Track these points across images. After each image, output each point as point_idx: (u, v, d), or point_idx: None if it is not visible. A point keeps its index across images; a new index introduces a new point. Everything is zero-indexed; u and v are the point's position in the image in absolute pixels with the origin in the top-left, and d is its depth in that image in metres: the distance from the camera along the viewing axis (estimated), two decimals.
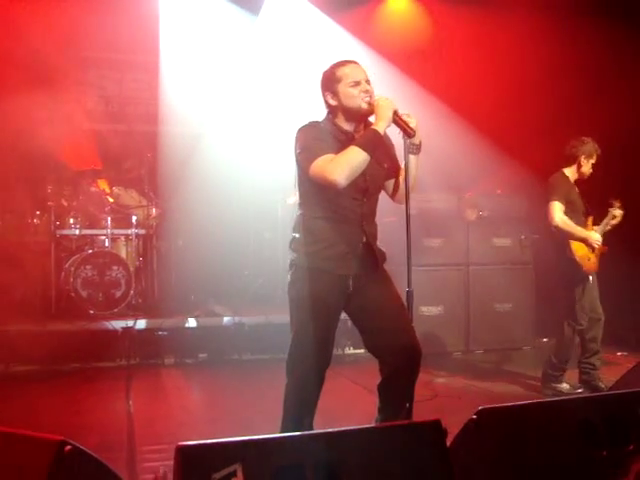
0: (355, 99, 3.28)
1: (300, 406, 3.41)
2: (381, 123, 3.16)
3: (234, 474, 2.03)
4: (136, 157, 8.40)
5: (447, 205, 7.33)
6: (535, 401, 2.64)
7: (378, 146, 3.20)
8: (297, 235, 3.44)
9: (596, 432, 2.46)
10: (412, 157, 3.31)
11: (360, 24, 8.22)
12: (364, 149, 3.13)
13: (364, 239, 3.36)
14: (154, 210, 7.74)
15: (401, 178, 3.41)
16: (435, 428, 2.28)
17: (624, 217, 5.71)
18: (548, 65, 7.50)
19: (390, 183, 3.49)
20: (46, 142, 7.92)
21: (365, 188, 3.32)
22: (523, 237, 7.37)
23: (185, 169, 7.88)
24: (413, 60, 7.73)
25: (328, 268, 3.32)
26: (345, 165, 3.14)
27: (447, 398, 5.32)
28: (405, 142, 3.26)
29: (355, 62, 3.40)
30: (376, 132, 3.16)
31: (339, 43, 7.97)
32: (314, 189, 3.32)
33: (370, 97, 3.26)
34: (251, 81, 8.26)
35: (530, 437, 2.41)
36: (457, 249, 7.32)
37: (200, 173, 7.64)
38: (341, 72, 3.33)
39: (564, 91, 7.54)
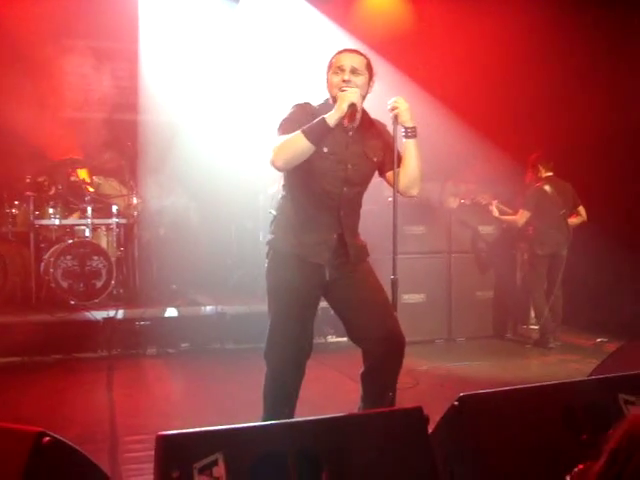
0: (332, 87, 3.26)
1: (279, 395, 3.40)
2: (333, 114, 3.08)
3: (215, 463, 2.02)
4: (116, 146, 8.32)
5: (429, 193, 7.34)
6: (516, 387, 2.65)
7: (325, 135, 3.11)
8: (276, 215, 3.44)
9: (577, 417, 2.48)
10: (410, 142, 3.29)
11: (342, 11, 8.19)
12: (307, 137, 3.06)
13: (340, 230, 3.33)
14: (135, 199, 7.68)
15: (400, 169, 3.33)
16: (417, 415, 2.29)
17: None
18: (533, 52, 7.51)
19: (391, 175, 3.37)
20: (25, 131, 7.83)
21: (345, 178, 3.28)
22: (504, 225, 7.40)
23: (166, 158, 7.82)
24: (396, 48, 7.69)
25: (300, 254, 3.31)
26: (285, 149, 3.12)
27: (429, 386, 5.34)
28: (395, 126, 3.25)
29: (352, 51, 3.34)
30: (323, 121, 3.07)
31: (320, 30, 7.93)
32: (294, 173, 3.30)
33: (346, 87, 3.17)
34: (231, 69, 8.20)
35: (511, 423, 2.42)
36: (439, 237, 7.34)
37: (181, 162, 7.58)
38: (333, 59, 3.31)
39: (549, 78, 7.56)
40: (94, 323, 6.52)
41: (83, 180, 7.78)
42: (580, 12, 7.36)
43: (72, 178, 7.68)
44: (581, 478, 1.65)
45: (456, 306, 7.33)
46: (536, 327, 7.16)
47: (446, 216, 7.39)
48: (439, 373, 5.84)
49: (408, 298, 7.01)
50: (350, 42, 7.20)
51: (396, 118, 3.25)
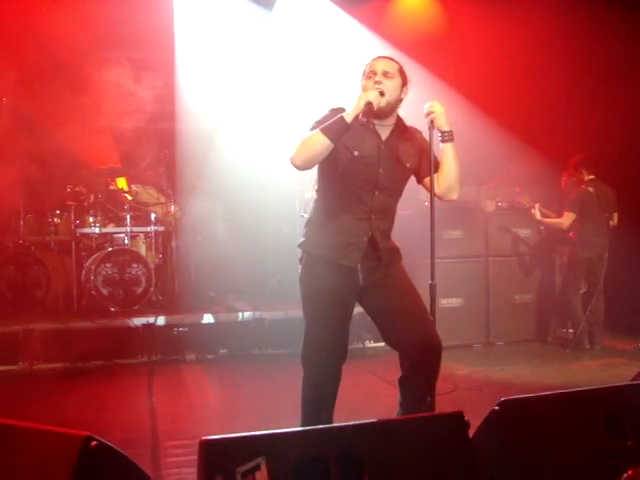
0: (364, 90, 3.26)
1: (317, 400, 3.39)
2: (349, 112, 3.12)
3: (258, 467, 2.04)
4: (154, 155, 8.44)
5: (466, 197, 7.29)
6: (558, 392, 2.63)
7: (342, 132, 3.12)
8: (309, 218, 3.47)
9: (621, 423, 2.45)
10: (447, 146, 3.31)
11: (374, 16, 8.20)
12: (325, 134, 3.09)
13: (370, 233, 3.32)
14: (173, 207, 7.78)
15: (438, 174, 3.34)
16: (457, 420, 2.28)
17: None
18: (567, 53, 7.43)
19: (429, 181, 3.37)
20: (65, 142, 7.99)
21: (376, 182, 3.29)
22: (542, 227, 7.32)
23: (203, 166, 7.91)
24: (429, 51, 7.68)
25: (330, 257, 3.32)
26: (304, 147, 3.14)
27: (468, 391, 5.30)
28: (430, 131, 3.26)
29: (384, 57, 3.37)
30: (341, 119, 3.10)
31: (354, 36, 7.95)
32: (326, 176, 3.34)
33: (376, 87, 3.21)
34: (266, 76, 8.26)
35: (553, 428, 2.40)
36: (476, 241, 7.29)
37: (218, 169, 7.66)
38: (366, 66, 3.35)
39: (584, 79, 7.48)
40: (134, 329, 6.62)
41: (122, 189, 7.92)
42: (615, 11, 7.26)
43: (111, 187, 7.83)
44: None
45: (494, 310, 7.27)
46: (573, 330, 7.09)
47: (483, 220, 7.33)
48: (478, 378, 5.80)
49: (446, 302, 6.98)
50: (382, 46, 7.25)
51: (432, 123, 3.26)
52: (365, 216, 3.32)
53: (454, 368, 5.97)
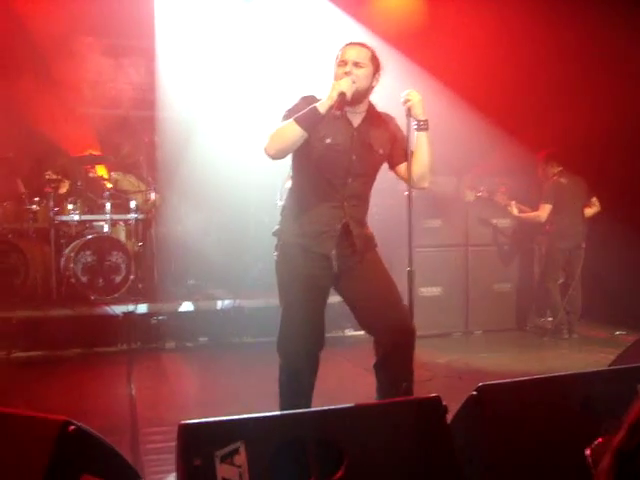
0: (336, 78, 3.28)
1: (294, 387, 3.41)
2: (324, 102, 3.14)
3: (237, 451, 2.05)
4: (134, 142, 8.38)
5: (446, 186, 7.33)
6: (534, 377, 2.66)
7: (316, 122, 3.15)
8: (283, 206, 3.49)
9: (595, 407, 2.48)
10: (422, 135, 3.33)
11: (357, 4, 8.17)
12: (299, 124, 3.12)
13: (343, 220, 3.33)
14: (153, 195, 7.73)
15: (411, 162, 3.36)
16: (435, 404, 2.31)
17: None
18: (550, 45, 7.46)
19: (401, 168, 3.43)
20: (44, 128, 7.92)
21: (348, 168, 3.30)
22: (527, 222, 7.37)
23: (183, 154, 7.86)
24: (412, 40, 7.68)
25: (304, 244, 3.34)
26: (276, 138, 3.17)
27: (447, 378, 5.35)
28: (408, 119, 3.27)
29: (357, 44, 3.36)
30: (315, 109, 3.13)
31: (336, 25, 7.92)
32: (299, 165, 3.36)
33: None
34: (248, 64, 8.22)
35: (530, 413, 2.43)
36: (456, 230, 7.33)
37: (198, 157, 7.61)
38: (338, 52, 3.35)
39: (566, 72, 7.51)
40: (113, 318, 6.58)
41: (101, 176, 7.86)
42: (599, 5, 7.29)
43: (91, 174, 7.76)
44: (601, 451, 1.67)
45: (473, 299, 7.32)
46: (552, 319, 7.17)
47: (463, 209, 7.37)
48: (457, 366, 5.84)
49: (425, 291, 7.02)
50: (365, 35, 7.20)
51: (409, 111, 3.28)
52: (338, 204, 3.33)
53: (433, 356, 6.02)
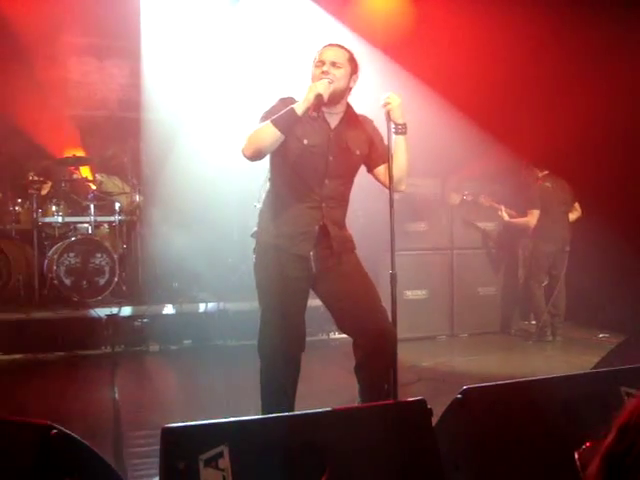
0: (313, 79, 3.28)
1: (275, 389, 3.40)
2: (301, 103, 3.14)
3: (221, 455, 2.04)
4: (119, 144, 8.34)
5: (431, 189, 7.35)
6: (518, 380, 2.67)
7: (293, 123, 3.15)
8: (261, 208, 3.47)
9: (579, 410, 2.49)
10: (400, 138, 3.32)
11: (343, 7, 8.17)
12: (276, 126, 3.12)
13: (321, 222, 3.33)
14: (137, 197, 7.70)
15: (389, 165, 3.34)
16: (420, 407, 2.31)
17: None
18: (536, 49, 7.50)
19: (380, 171, 3.44)
20: (27, 129, 7.86)
21: (325, 170, 3.30)
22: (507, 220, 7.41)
23: (168, 156, 7.83)
24: (398, 44, 7.69)
25: (282, 245, 3.33)
26: (254, 139, 3.18)
27: (432, 381, 5.35)
28: (388, 122, 3.27)
29: (334, 45, 3.37)
30: (292, 111, 3.13)
31: (322, 27, 7.92)
32: (276, 166, 3.36)
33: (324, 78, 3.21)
34: (233, 66, 8.20)
35: (514, 415, 2.44)
36: (441, 233, 7.35)
37: (183, 160, 7.59)
38: (316, 54, 3.36)
39: (554, 75, 7.55)
40: (97, 320, 6.55)
41: (86, 178, 7.82)
42: (583, 9, 7.34)
43: (75, 176, 7.72)
44: (589, 454, 1.67)
45: (458, 302, 7.34)
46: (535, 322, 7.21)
47: (448, 213, 7.40)
48: (441, 369, 5.85)
49: (410, 294, 7.03)
50: (351, 38, 7.21)
51: (389, 114, 3.27)
52: (316, 205, 3.32)
53: (418, 359, 6.02)
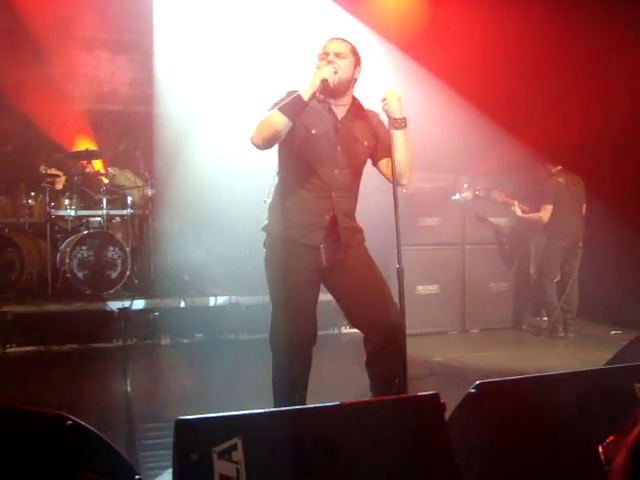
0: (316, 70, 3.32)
1: (287, 382, 3.41)
2: (306, 89, 3.16)
3: (234, 447, 2.04)
4: (131, 138, 8.36)
5: (443, 184, 7.33)
6: (532, 375, 2.66)
7: (300, 110, 3.17)
8: (271, 201, 3.49)
9: (593, 406, 2.48)
10: (399, 133, 3.32)
11: (359, 3, 8.15)
12: (283, 113, 3.14)
13: (332, 212, 3.34)
14: (150, 190, 7.71)
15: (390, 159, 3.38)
16: (433, 401, 2.30)
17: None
18: (550, 44, 7.45)
19: (382, 164, 3.47)
20: (40, 123, 7.89)
21: (334, 160, 3.32)
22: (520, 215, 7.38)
23: (180, 150, 7.84)
24: (411, 38, 7.66)
25: (293, 236, 3.34)
26: (262, 127, 3.20)
27: (443, 376, 5.34)
28: (388, 117, 3.29)
29: (338, 38, 3.43)
30: (298, 97, 3.15)
31: (336, 22, 7.90)
32: (285, 157, 3.38)
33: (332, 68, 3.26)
34: (246, 59, 8.19)
35: (527, 410, 2.43)
36: (453, 228, 7.33)
37: (195, 153, 7.59)
38: (320, 47, 3.42)
39: (565, 71, 7.51)
40: (109, 313, 6.57)
41: (98, 171, 7.84)
42: (601, 2, 7.28)
43: (87, 169, 7.74)
44: (614, 448, 1.66)
45: (470, 297, 7.32)
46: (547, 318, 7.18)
47: (460, 208, 7.37)
48: (453, 364, 5.83)
49: (422, 289, 7.02)
50: (367, 34, 7.20)
51: (387, 109, 3.29)
52: (326, 194, 3.34)
53: (430, 354, 6.00)
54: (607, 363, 4.06)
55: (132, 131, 8.36)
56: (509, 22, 7.38)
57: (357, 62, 3.39)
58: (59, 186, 7.52)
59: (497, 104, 7.45)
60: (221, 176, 7.84)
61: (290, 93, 3.31)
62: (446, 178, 7.37)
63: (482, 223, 7.44)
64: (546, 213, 6.89)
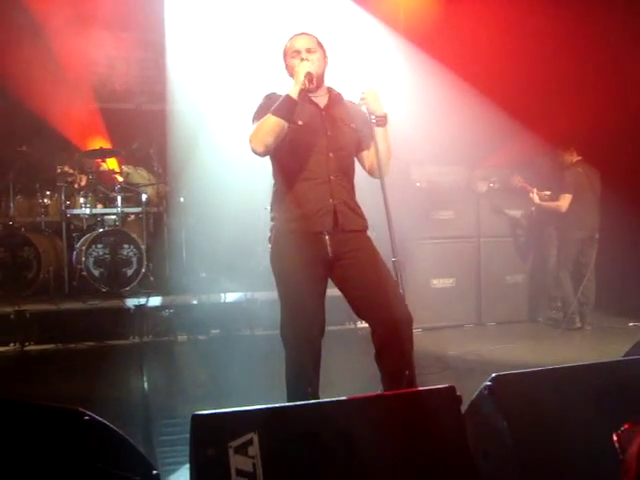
0: (292, 69, 3.42)
1: (299, 374, 3.41)
2: (293, 88, 3.25)
3: (250, 442, 2.04)
4: (145, 136, 8.38)
5: (458, 177, 7.31)
6: (549, 367, 2.64)
7: (292, 109, 3.24)
8: (272, 202, 3.53)
9: (610, 398, 2.47)
10: (379, 130, 3.41)
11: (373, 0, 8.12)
12: (277, 115, 3.21)
13: (333, 195, 3.37)
14: (164, 188, 7.74)
15: (371, 151, 3.47)
16: (449, 394, 2.29)
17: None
18: (564, 36, 7.40)
19: (363, 156, 3.55)
20: (55, 122, 7.93)
21: (327, 144, 3.37)
22: (534, 209, 7.34)
23: (194, 147, 7.86)
24: (425, 32, 7.62)
25: (301, 227, 3.36)
26: (261, 134, 3.26)
27: (459, 370, 5.32)
28: (368, 115, 3.38)
29: (301, 33, 3.53)
30: (288, 97, 3.24)
31: (347, 17, 7.87)
32: (279, 154, 3.39)
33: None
34: (258, 57, 8.19)
35: (544, 403, 2.41)
36: (468, 221, 7.30)
37: (209, 150, 7.61)
38: (286, 45, 3.53)
39: (579, 61, 7.45)
40: (126, 311, 6.61)
41: (112, 169, 7.87)
42: (609, 3, 7.23)
43: (102, 168, 7.78)
44: (629, 436, 1.65)
45: (486, 291, 7.29)
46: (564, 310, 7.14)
47: (475, 201, 7.34)
48: (469, 358, 5.81)
49: (438, 283, 7.01)
50: (380, 28, 7.16)
51: (367, 108, 3.38)
52: (325, 179, 3.37)
53: (446, 348, 5.98)
54: (625, 355, 4.03)
55: (146, 129, 8.38)
56: (523, 12, 7.34)
57: (324, 53, 3.50)
58: (82, 184, 7.58)
59: (510, 96, 7.41)
60: (235, 172, 7.83)
61: (268, 97, 3.42)
62: (461, 171, 7.33)
63: (497, 216, 7.41)
64: (565, 202, 6.82)
